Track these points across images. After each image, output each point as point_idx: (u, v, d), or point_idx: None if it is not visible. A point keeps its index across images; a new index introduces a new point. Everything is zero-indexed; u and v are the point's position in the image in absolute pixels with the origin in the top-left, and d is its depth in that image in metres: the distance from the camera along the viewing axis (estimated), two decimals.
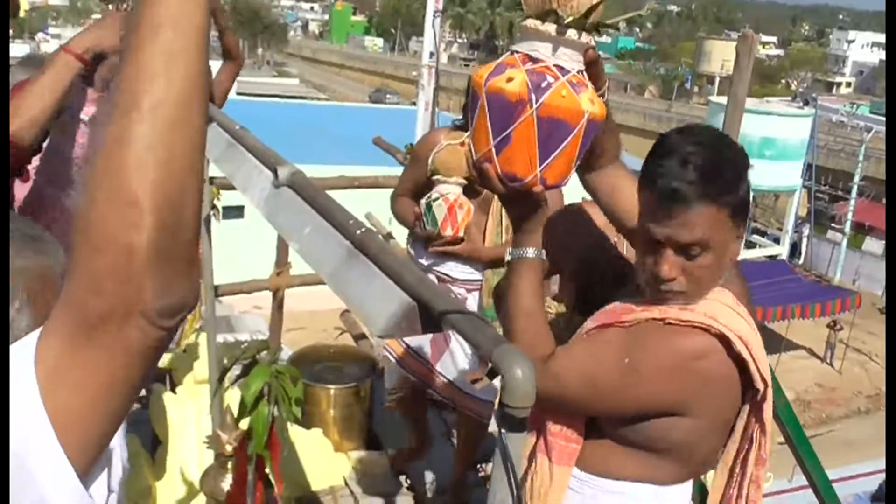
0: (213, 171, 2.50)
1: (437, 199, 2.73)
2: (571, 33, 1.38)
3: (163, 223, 0.70)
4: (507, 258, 1.61)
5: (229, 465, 2.31)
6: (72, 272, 0.72)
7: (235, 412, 2.08)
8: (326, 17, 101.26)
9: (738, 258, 1.64)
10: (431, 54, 5.74)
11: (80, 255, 0.70)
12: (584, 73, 1.42)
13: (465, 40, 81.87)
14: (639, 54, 71.87)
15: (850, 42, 76.23)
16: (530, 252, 1.56)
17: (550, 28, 1.38)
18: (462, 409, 3.10)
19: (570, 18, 1.36)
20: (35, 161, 2.14)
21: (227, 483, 2.29)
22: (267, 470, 2.07)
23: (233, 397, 2.44)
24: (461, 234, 2.75)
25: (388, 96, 46.14)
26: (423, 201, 2.79)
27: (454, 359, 3.09)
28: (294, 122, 22.55)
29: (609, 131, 1.61)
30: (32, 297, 0.90)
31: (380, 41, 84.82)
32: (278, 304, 3.89)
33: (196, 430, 3.26)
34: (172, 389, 3.71)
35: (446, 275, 2.93)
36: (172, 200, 0.71)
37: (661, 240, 1.50)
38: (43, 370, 0.72)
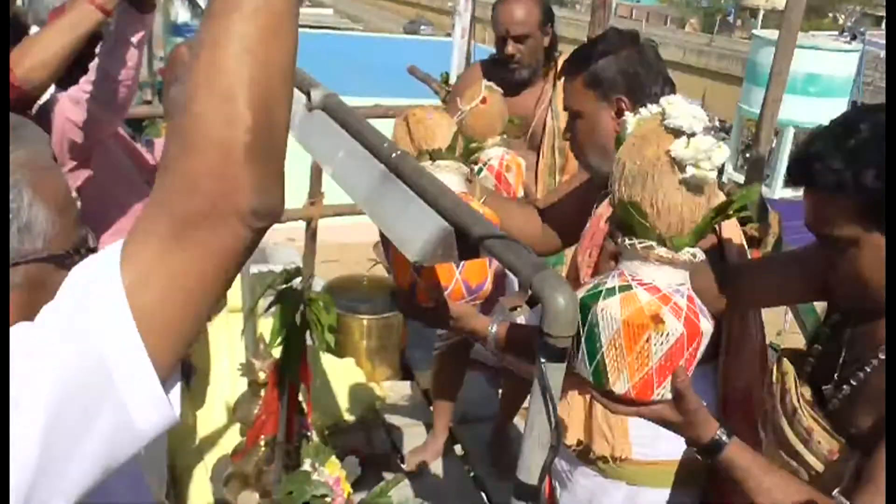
0: None
1: (480, 169, 2.63)
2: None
3: (258, 122, 0.71)
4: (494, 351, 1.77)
5: (262, 392, 2.31)
6: (166, 173, 0.71)
7: (268, 340, 2.07)
8: None
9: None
10: None
11: (176, 154, 0.70)
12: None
13: None
14: None
15: None
16: (494, 328, 1.72)
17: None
18: (507, 363, 3.03)
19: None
20: (86, 85, 2.13)
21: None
22: (300, 398, 2.06)
23: (266, 326, 2.43)
24: (519, 196, 2.64)
25: (422, 27, 45.37)
26: None
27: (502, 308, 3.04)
28: (328, 53, 22.27)
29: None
30: (38, 188, 0.86)
31: None
32: (311, 235, 3.86)
33: (230, 359, 3.28)
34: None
35: None
36: (267, 102, 0.72)
37: None
38: (131, 272, 0.71)
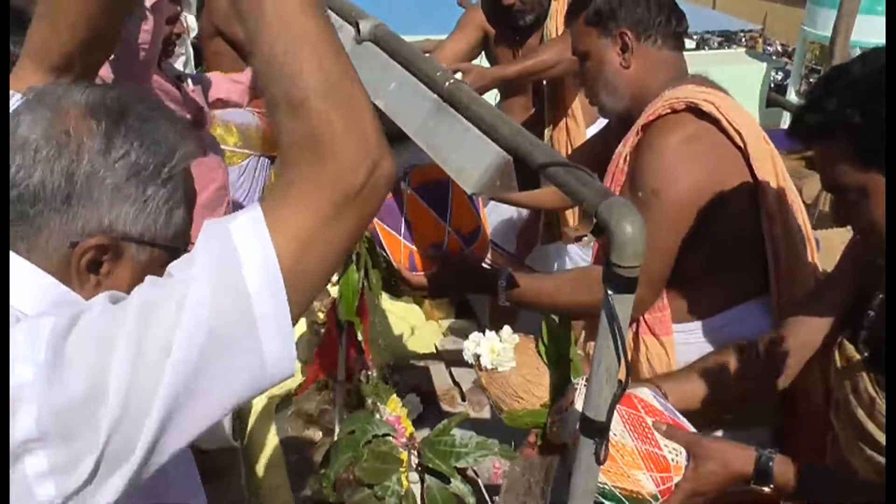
0: None
1: None
2: None
3: (368, 100, 0.85)
4: (505, 303, 1.74)
5: (322, 332, 2.31)
6: (322, 159, 0.80)
7: None
8: None
9: None
10: None
11: (330, 146, 0.80)
12: None
13: None
14: None
15: None
16: (503, 283, 1.68)
17: None
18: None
19: None
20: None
21: None
22: (359, 336, 2.05)
23: None
24: None
25: None
26: None
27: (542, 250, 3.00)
28: None
29: None
30: (188, 185, 0.97)
31: None
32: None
33: None
34: None
35: None
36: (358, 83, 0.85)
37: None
38: (285, 239, 0.79)
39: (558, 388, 1.41)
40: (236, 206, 2.63)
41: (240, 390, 0.81)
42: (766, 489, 1.29)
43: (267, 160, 3.58)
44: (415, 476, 1.40)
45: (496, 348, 1.40)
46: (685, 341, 1.71)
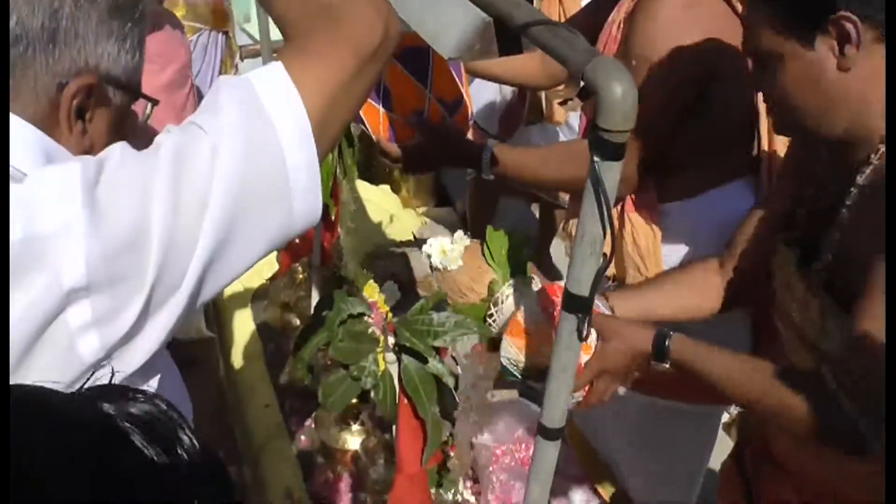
0: None
1: None
2: None
3: None
4: (489, 176, 1.69)
5: None
6: (340, 21, 0.85)
7: None
8: None
9: None
10: None
11: (350, 10, 0.86)
12: None
13: None
14: None
15: None
16: (487, 156, 1.63)
17: None
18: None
19: None
20: None
21: None
22: (332, 218, 2.00)
23: None
24: None
25: None
26: None
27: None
28: None
29: None
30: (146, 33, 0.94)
31: None
32: None
33: None
34: None
35: None
36: None
37: None
38: (312, 96, 0.83)
39: (496, 286, 1.50)
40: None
41: (273, 237, 0.85)
42: (665, 366, 1.29)
43: (220, 35, 3.31)
44: (392, 357, 1.37)
45: (446, 249, 1.49)
46: (671, 219, 1.67)
